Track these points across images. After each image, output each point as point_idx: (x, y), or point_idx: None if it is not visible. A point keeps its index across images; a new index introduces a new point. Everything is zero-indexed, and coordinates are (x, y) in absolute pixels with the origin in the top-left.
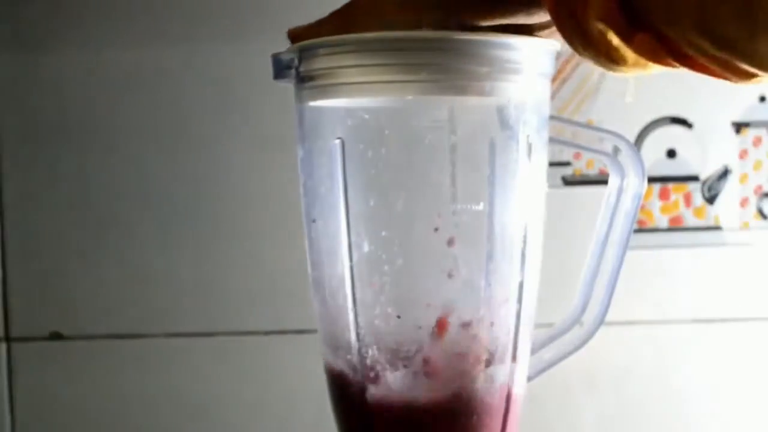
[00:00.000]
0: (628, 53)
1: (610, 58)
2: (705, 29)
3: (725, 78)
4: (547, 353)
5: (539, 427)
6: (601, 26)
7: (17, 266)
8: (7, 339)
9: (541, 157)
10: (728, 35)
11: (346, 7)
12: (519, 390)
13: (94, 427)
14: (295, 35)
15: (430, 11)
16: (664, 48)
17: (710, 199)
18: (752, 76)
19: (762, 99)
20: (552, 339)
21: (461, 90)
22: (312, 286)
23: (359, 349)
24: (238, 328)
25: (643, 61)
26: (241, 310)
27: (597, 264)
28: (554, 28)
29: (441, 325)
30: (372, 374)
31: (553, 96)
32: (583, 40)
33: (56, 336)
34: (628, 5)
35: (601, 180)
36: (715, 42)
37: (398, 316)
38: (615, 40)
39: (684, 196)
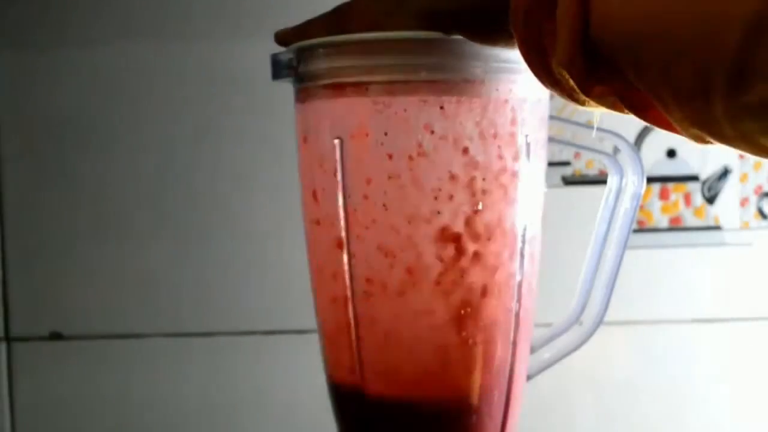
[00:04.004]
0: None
1: (573, 99)
2: (668, 83)
3: (680, 134)
4: (547, 352)
5: (539, 427)
6: (563, 72)
7: (17, 266)
8: (7, 339)
9: (541, 156)
10: (688, 91)
11: (335, 11)
12: (518, 389)
13: (94, 427)
14: (282, 38)
15: (420, 21)
16: (622, 100)
17: (710, 199)
18: (706, 141)
19: None
20: (551, 338)
21: (460, 90)
22: (312, 284)
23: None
24: (238, 328)
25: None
26: (241, 310)
27: (596, 263)
28: None
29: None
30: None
31: (552, 95)
32: (549, 79)
33: (56, 336)
34: (593, 53)
35: (601, 180)
36: (676, 97)
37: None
38: (576, 86)
39: (684, 196)
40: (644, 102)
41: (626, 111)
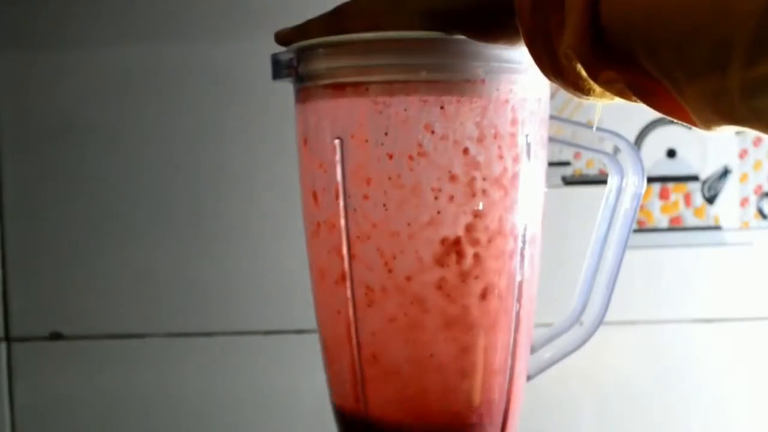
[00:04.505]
0: (596, 85)
1: (578, 88)
2: (682, 60)
3: (688, 122)
4: (547, 352)
5: (539, 427)
6: (571, 58)
7: (17, 266)
8: (7, 339)
9: (541, 156)
10: (704, 65)
11: (335, 11)
12: (518, 389)
13: (94, 427)
14: (282, 38)
15: (420, 21)
16: (630, 86)
17: (710, 199)
18: (714, 126)
19: None
20: (552, 338)
21: (461, 90)
22: (312, 285)
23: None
24: (238, 328)
25: (609, 94)
26: (241, 310)
27: (596, 263)
28: None
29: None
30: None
31: (553, 95)
32: (554, 69)
33: (56, 336)
34: (602, 40)
35: (601, 180)
36: (690, 74)
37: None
38: (583, 72)
39: (684, 196)
40: (653, 87)
41: (633, 98)
